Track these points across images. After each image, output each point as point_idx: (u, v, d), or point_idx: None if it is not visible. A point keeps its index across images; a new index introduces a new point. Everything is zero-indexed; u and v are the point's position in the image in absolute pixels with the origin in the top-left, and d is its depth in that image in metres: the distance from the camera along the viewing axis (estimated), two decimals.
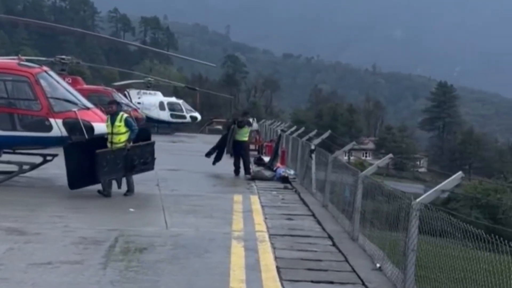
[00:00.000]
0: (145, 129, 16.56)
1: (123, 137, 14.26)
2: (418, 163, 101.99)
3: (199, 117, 47.63)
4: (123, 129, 14.26)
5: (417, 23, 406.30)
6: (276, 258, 9.13)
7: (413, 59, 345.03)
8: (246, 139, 20.12)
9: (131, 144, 14.41)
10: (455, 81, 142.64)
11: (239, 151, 19.73)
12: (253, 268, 8.49)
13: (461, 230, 6.40)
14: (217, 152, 20.43)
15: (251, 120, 21.56)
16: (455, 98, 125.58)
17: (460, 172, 7.43)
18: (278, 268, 8.56)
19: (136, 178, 15.10)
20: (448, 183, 7.40)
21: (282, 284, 7.86)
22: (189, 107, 48.08)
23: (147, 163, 14.92)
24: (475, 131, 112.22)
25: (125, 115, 14.76)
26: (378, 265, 8.78)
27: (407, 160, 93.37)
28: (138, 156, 14.55)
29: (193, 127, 52.51)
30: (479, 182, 53.28)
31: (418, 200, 7.45)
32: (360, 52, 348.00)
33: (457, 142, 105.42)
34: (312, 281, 8.04)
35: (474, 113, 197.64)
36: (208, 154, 20.70)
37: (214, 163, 20.28)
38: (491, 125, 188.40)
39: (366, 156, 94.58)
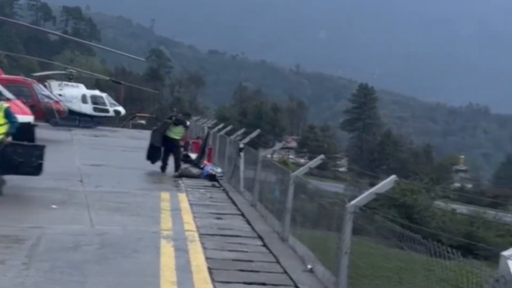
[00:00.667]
0: (28, 129, 14.90)
1: (1, 129, 12.79)
2: (339, 162, 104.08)
3: (122, 111, 46.61)
4: (1, 120, 12.81)
5: (340, 25, 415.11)
6: (207, 258, 8.96)
7: (336, 60, 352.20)
8: (178, 138, 19.71)
9: (10, 139, 12.90)
10: (375, 84, 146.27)
11: (171, 148, 19.29)
12: (183, 269, 8.30)
13: (397, 233, 6.45)
14: (154, 151, 19.74)
15: (188, 123, 21.18)
16: (375, 100, 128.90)
17: (394, 176, 7.51)
18: (209, 269, 8.40)
19: (58, 173, 14.50)
20: (382, 186, 7.46)
21: (214, 286, 7.71)
22: (112, 101, 46.93)
23: (32, 167, 13.20)
24: (392, 132, 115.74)
25: (5, 105, 13.21)
26: (309, 266, 8.77)
27: (329, 159, 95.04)
28: (19, 157, 12.94)
29: (116, 121, 51.39)
30: (397, 183, 54.81)
31: (352, 202, 7.47)
32: (284, 51, 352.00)
33: (375, 143, 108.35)
34: (244, 283, 7.93)
35: (392, 115, 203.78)
36: (148, 158, 19.88)
37: (153, 162, 19.65)
38: (407, 127, 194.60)
39: (289, 155, 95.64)
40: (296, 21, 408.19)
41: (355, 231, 7.41)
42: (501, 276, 3.72)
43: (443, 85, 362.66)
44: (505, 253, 3.73)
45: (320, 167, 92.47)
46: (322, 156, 11.22)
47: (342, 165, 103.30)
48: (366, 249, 7.45)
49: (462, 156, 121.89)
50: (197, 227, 11.28)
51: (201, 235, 10.54)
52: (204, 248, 9.63)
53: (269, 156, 16.38)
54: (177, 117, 19.87)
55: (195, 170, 19.26)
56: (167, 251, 9.21)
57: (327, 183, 63.06)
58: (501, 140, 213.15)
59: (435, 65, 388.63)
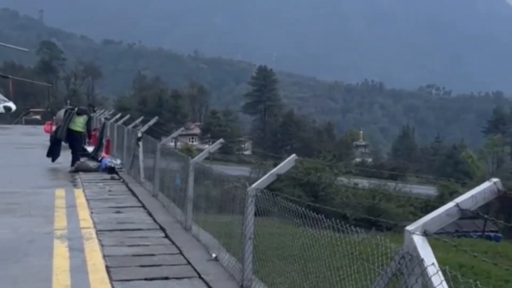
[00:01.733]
0: None
1: None
2: (243, 146, 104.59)
3: (13, 107, 44.34)
4: None
5: (235, 8, 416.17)
6: (104, 256, 8.41)
7: (234, 44, 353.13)
8: (81, 130, 18.73)
9: None
10: (274, 66, 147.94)
11: (71, 141, 18.38)
12: (79, 270, 7.72)
13: (297, 212, 6.23)
14: (55, 148, 18.69)
15: (92, 115, 20.26)
16: (275, 82, 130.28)
17: (293, 155, 7.28)
18: (107, 267, 7.87)
19: None
20: (282, 166, 7.22)
21: (112, 285, 7.20)
22: (2, 97, 44.55)
23: None
24: (294, 113, 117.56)
25: None
26: (214, 255, 8.44)
27: (233, 144, 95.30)
28: None
29: (8, 118, 48.86)
30: (299, 162, 55.74)
31: (253, 185, 7.19)
32: (181, 37, 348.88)
33: (278, 125, 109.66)
34: (145, 279, 7.48)
35: (292, 96, 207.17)
36: (49, 154, 18.80)
37: (54, 159, 18.61)
38: (308, 107, 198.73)
39: (193, 141, 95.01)
40: (191, 5, 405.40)
41: (264, 212, 7.13)
42: (406, 253, 3.52)
43: (339, 63, 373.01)
44: (410, 227, 3.53)
45: (224, 151, 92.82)
46: (221, 140, 10.89)
47: (246, 148, 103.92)
48: (274, 230, 7.19)
49: (361, 132, 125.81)
50: (94, 223, 10.66)
51: (98, 232, 9.95)
52: (102, 245, 9.06)
53: (172, 144, 15.91)
54: (79, 107, 18.98)
55: (92, 164, 18.46)
56: (61, 252, 8.58)
57: (233, 167, 63.22)
58: (396, 114, 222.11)
59: (329, 44, 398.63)
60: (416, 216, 51.49)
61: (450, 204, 3.51)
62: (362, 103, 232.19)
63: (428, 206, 57.80)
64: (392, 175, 72.56)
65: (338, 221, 5.30)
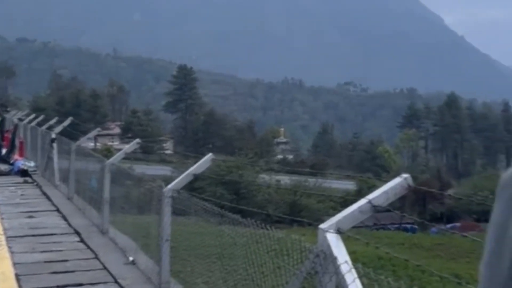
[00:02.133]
0: None
1: None
2: (164, 145, 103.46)
3: None
4: None
5: (154, 7, 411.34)
6: (15, 264, 8.02)
7: (153, 42, 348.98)
8: None
9: None
10: (194, 64, 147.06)
11: None
12: None
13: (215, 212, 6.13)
14: None
15: (5, 116, 19.29)
16: (195, 81, 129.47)
17: (210, 154, 7.18)
18: (17, 275, 7.49)
19: None
20: (199, 166, 7.10)
21: None
22: None
23: None
24: (215, 111, 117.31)
25: None
26: (131, 258, 8.20)
27: (154, 143, 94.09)
28: None
29: None
30: (218, 161, 55.74)
31: (169, 186, 7.02)
32: (99, 36, 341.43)
33: (199, 123, 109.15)
34: (57, 286, 7.17)
35: (213, 95, 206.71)
36: None
37: None
38: (229, 105, 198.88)
39: (113, 142, 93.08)
40: (108, 3, 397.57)
41: (185, 212, 6.98)
42: (320, 251, 3.47)
43: (259, 61, 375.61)
44: (323, 226, 3.48)
45: (146, 151, 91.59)
46: (137, 140, 10.64)
47: (168, 148, 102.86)
48: (197, 229, 7.05)
49: (282, 129, 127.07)
50: (4, 229, 10.17)
51: (8, 238, 9.49)
52: (12, 252, 8.64)
53: (91, 145, 15.44)
54: None
55: (3, 167, 17.66)
56: None
57: (155, 167, 62.36)
58: (316, 111, 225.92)
59: (249, 42, 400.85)
60: (336, 211, 52.67)
61: (362, 201, 3.50)
62: (283, 100, 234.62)
63: (347, 201, 59.25)
64: (313, 171, 73.70)
65: (255, 220, 5.23)
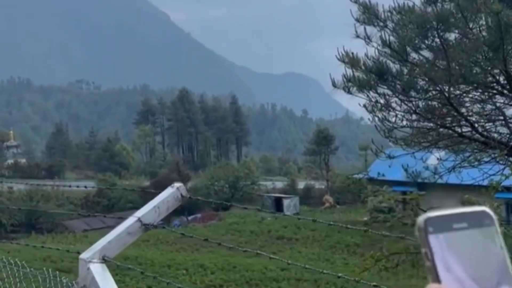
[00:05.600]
0: None
1: None
2: None
3: None
4: None
5: None
6: None
7: None
8: None
9: None
10: None
11: None
12: None
13: None
14: None
15: None
16: None
17: None
18: None
19: None
20: None
21: None
22: None
23: None
24: None
25: None
26: None
27: None
28: None
29: None
30: None
31: None
32: None
33: None
34: None
35: None
36: None
37: None
38: None
39: None
40: None
41: None
42: (83, 287, 2.87)
43: None
44: (84, 255, 2.89)
45: None
46: None
47: None
48: None
49: (11, 132, 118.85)
50: None
51: None
52: None
53: None
54: None
55: None
56: None
57: None
58: (47, 111, 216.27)
59: None
60: (78, 214, 50.73)
61: (130, 220, 2.97)
62: (10, 101, 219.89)
63: (88, 201, 57.55)
64: (50, 174, 70.24)
65: None
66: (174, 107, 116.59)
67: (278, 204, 51.00)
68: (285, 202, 51.39)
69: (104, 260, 2.90)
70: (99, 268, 2.87)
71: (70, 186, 5.14)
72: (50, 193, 53.39)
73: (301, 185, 68.03)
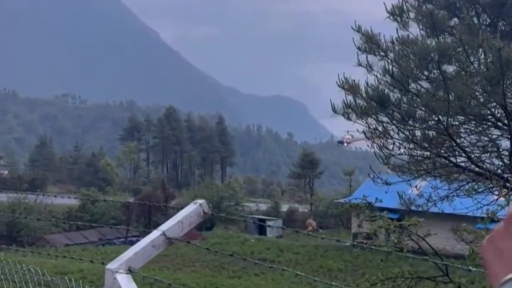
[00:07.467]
0: None
1: None
2: None
3: None
4: None
5: None
6: None
7: None
8: None
9: None
10: None
11: None
12: None
13: None
14: None
15: None
16: None
17: None
18: None
19: None
20: None
21: None
22: None
23: None
24: None
25: None
26: None
27: None
28: None
29: None
30: None
31: None
32: None
33: None
34: None
35: None
36: None
37: None
38: None
39: None
40: None
41: None
42: None
43: None
44: (111, 266, 2.97)
45: None
46: None
47: None
48: None
49: None
50: None
51: None
52: None
53: None
54: None
55: None
56: None
57: None
58: (31, 123, 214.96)
59: None
60: (58, 227, 50.24)
61: (155, 233, 3.07)
62: None
63: (71, 216, 56.99)
64: (32, 187, 69.63)
65: None
66: (160, 124, 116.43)
67: (261, 226, 51.00)
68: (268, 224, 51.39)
69: (130, 271, 2.98)
70: (125, 278, 2.96)
71: (55, 196, 5.22)
72: (33, 207, 52.83)
73: (284, 207, 68.04)
